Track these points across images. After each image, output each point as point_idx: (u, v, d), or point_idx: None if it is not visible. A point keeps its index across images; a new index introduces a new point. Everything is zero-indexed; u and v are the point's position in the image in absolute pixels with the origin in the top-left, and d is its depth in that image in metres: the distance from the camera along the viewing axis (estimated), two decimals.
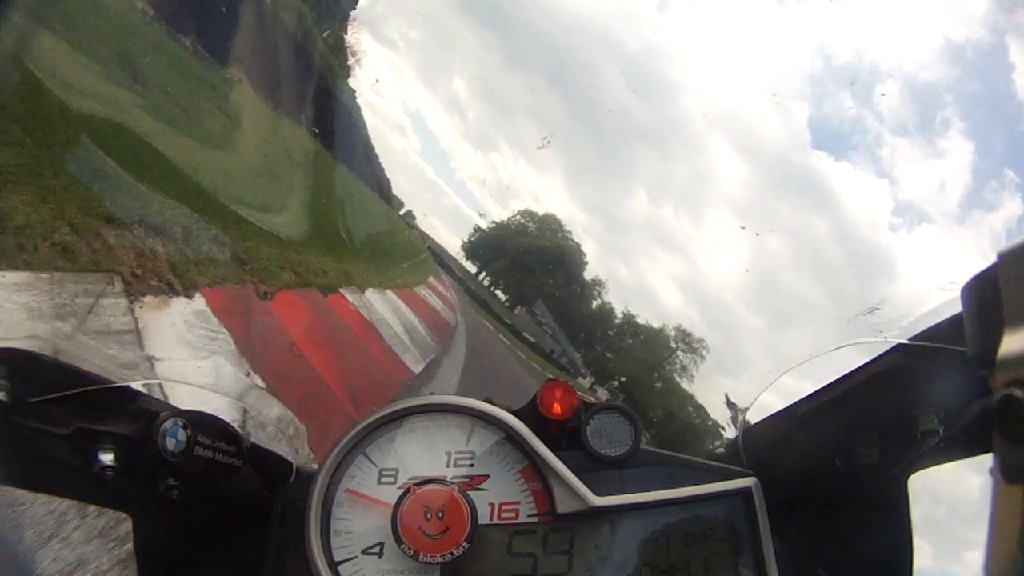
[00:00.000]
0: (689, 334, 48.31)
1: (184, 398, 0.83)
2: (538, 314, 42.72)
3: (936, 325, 0.69)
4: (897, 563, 0.80)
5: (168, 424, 0.73)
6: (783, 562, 0.80)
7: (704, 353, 47.41)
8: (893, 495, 0.78)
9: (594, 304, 49.15)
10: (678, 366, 46.13)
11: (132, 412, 0.75)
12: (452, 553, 0.79)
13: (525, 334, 35.78)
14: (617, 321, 49.04)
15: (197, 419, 0.75)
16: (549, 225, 49.94)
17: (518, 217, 50.18)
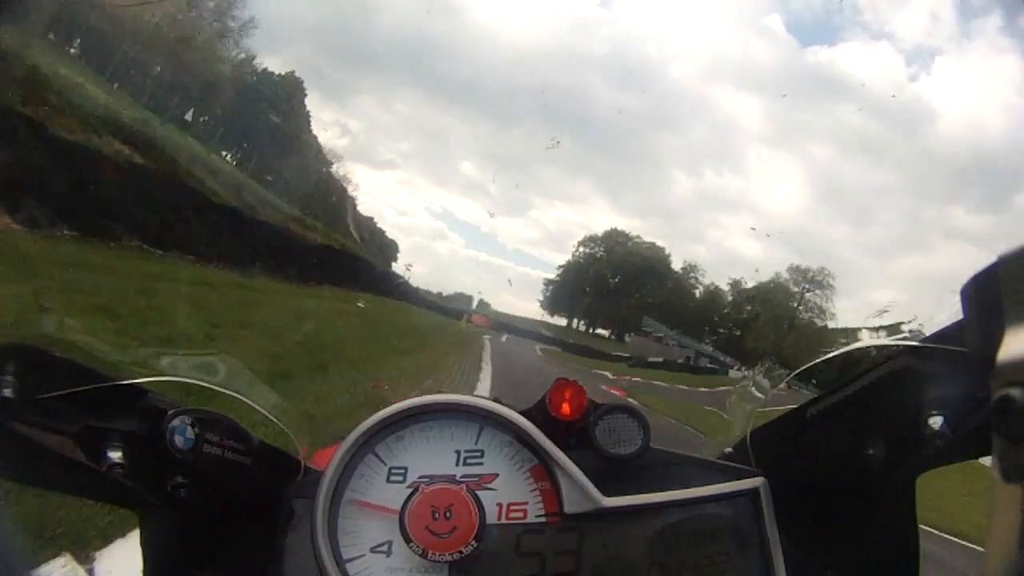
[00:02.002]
0: (804, 270, 44.88)
1: (193, 396, 0.82)
2: (650, 330, 41.07)
3: (946, 327, 0.69)
4: (903, 563, 0.80)
5: (177, 422, 0.74)
6: (791, 562, 0.79)
7: (831, 281, 43.81)
8: (900, 495, 0.79)
9: (696, 293, 47.42)
10: (814, 307, 42.80)
11: (141, 410, 0.75)
12: (460, 552, 0.78)
13: (650, 359, 33.98)
14: (728, 299, 46.64)
15: (205, 417, 0.77)
16: (613, 242, 50.35)
17: (580, 249, 50.84)
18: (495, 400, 0.86)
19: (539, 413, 0.85)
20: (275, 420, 0.90)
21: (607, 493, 0.82)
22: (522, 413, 0.85)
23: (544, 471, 0.83)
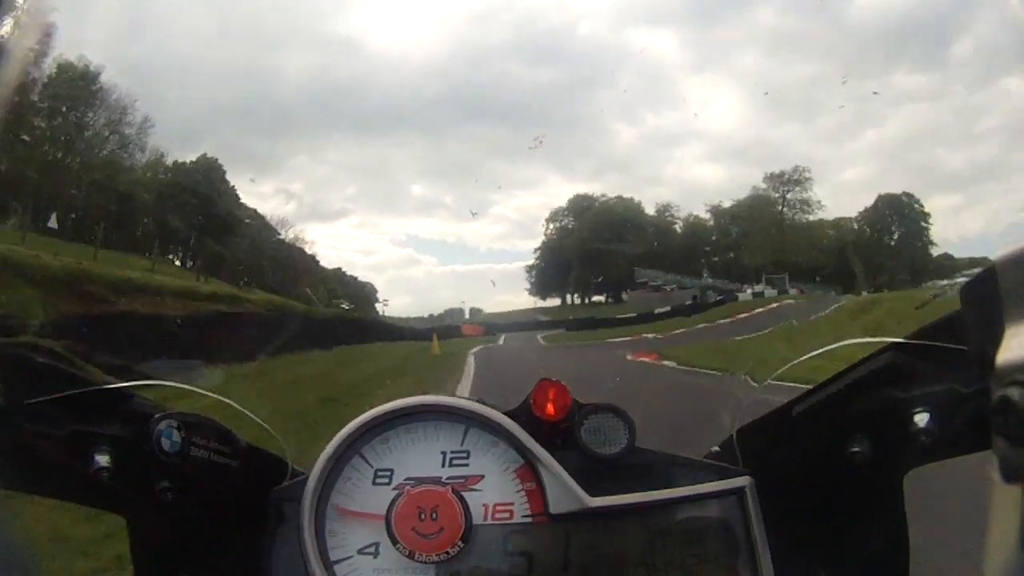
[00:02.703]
0: (779, 175, 44.56)
1: (179, 400, 0.82)
2: (646, 279, 40.18)
3: (930, 324, 0.70)
4: (893, 560, 0.81)
5: (163, 425, 0.74)
6: (778, 560, 0.79)
7: (807, 175, 43.42)
8: (888, 492, 0.79)
9: (678, 229, 46.65)
10: (797, 204, 42.36)
11: (127, 414, 0.75)
12: (447, 552, 0.79)
13: (656, 311, 32.81)
14: (711, 225, 45.94)
15: (192, 420, 0.77)
16: (580, 208, 48.69)
17: (550, 227, 49.19)
18: (480, 401, 0.86)
19: (524, 414, 0.85)
20: (261, 423, 0.90)
21: (593, 493, 0.82)
22: (507, 414, 0.85)
23: (530, 471, 0.83)
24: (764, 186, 45.05)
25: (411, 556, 0.79)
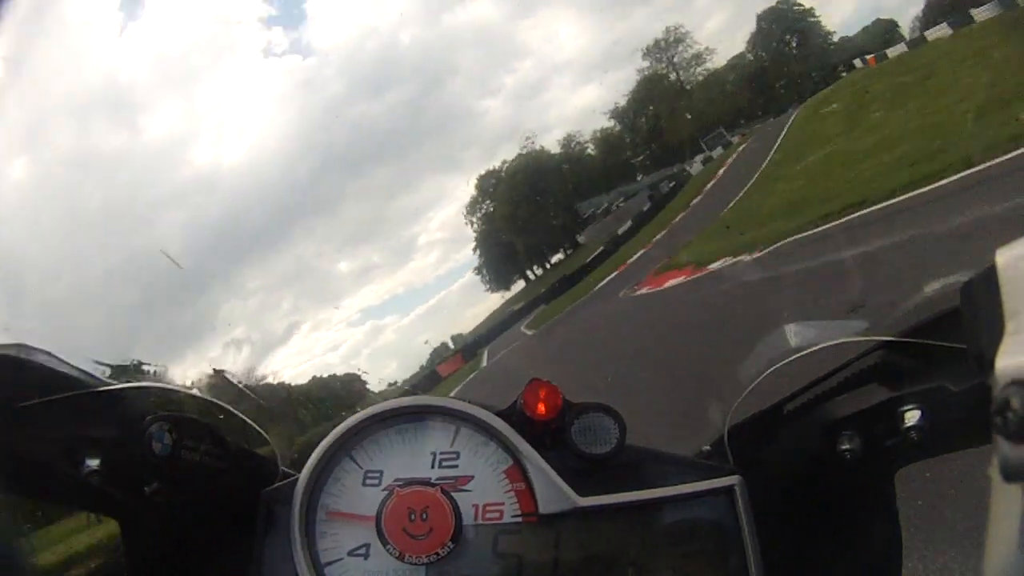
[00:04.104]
0: (654, 44, 42.13)
1: (169, 402, 0.82)
2: (591, 210, 37.53)
3: (922, 322, 0.70)
4: (885, 558, 0.81)
5: (154, 428, 0.74)
6: (770, 560, 0.79)
7: (683, 29, 41.45)
8: (879, 490, 0.79)
9: (592, 153, 44.42)
10: (688, 63, 40.26)
11: (119, 416, 0.76)
12: (437, 553, 0.79)
13: (620, 231, 29.47)
14: (618, 130, 43.47)
15: (183, 422, 0.77)
16: (489, 186, 47.57)
17: (473, 220, 48.07)
18: (470, 402, 0.86)
19: (515, 414, 0.84)
20: (252, 424, 0.90)
21: (583, 492, 0.81)
22: (498, 414, 0.85)
23: (519, 472, 0.83)
24: (647, 64, 42.62)
25: (401, 557, 0.79)
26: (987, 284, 0.49)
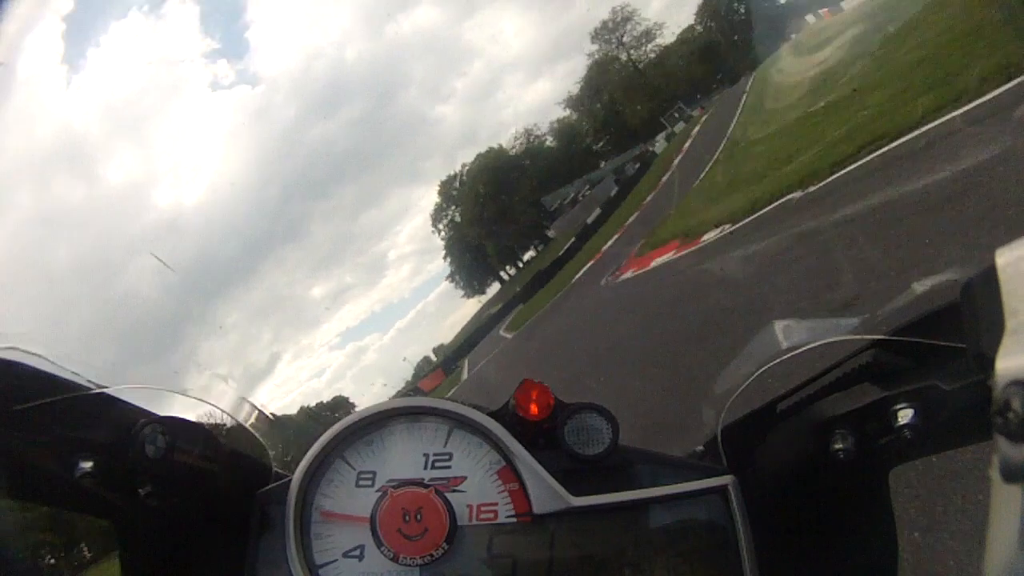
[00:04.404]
0: (602, 26, 41.69)
1: (162, 404, 0.82)
2: (558, 201, 36.97)
3: (917, 320, 0.69)
4: (881, 557, 0.80)
5: (147, 431, 0.74)
6: (763, 559, 0.79)
7: (628, 8, 41.18)
8: (873, 489, 0.78)
9: (551, 144, 43.86)
10: (638, 41, 40.07)
11: (111, 419, 0.75)
12: (432, 555, 0.79)
13: (589, 221, 28.87)
14: (575, 118, 43.03)
15: (175, 425, 0.77)
16: (452, 189, 47.04)
17: (440, 228, 47.48)
18: (463, 403, 0.86)
19: (507, 414, 0.84)
20: (245, 426, 0.90)
21: (577, 492, 0.81)
22: (491, 415, 0.85)
23: (512, 472, 0.83)
24: (596, 48, 41.92)
25: (396, 558, 0.79)
26: (987, 284, 0.49)
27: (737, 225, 9.05)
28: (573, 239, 28.79)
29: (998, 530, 0.42)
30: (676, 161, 23.33)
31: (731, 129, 18.54)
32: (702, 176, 15.33)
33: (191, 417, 0.80)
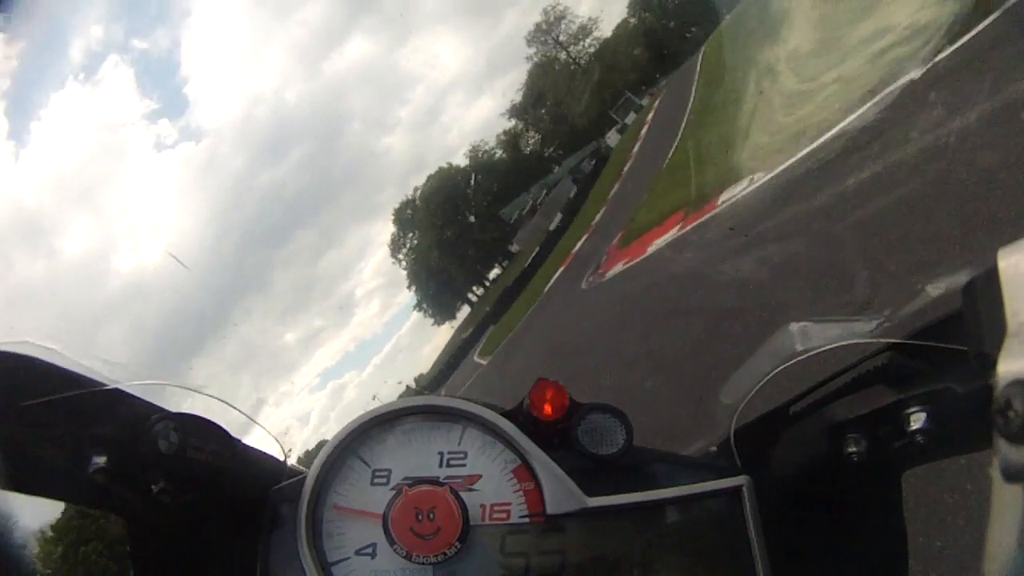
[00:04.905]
0: (536, 28, 41.16)
1: (175, 400, 0.82)
2: (516, 212, 35.92)
3: (930, 323, 0.69)
4: (892, 560, 0.81)
5: (160, 426, 0.74)
6: (776, 561, 0.79)
7: (560, 7, 40.60)
8: (886, 492, 0.79)
9: (502, 157, 43.04)
10: (575, 37, 39.61)
11: (124, 415, 0.75)
12: (445, 553, 0.79)
13: (551, 228, 27.77)
14: (521, 127, 41.73)
15: (188, 421, 0.76)
16: (407, 218, 44.99)
17: (400, 257, 45.39)
18: (478, 401, 0.86)
19: (521, 414, 0.84)
20: (258, 423, 0.90)
21: (591, 493, 0.81)
22: (505, 414, 0.85)
23: (527, 472, 0.83)
24: (534, 51, 40.76)
25: (409, 557, 0.79)
26: (988, 285, 0.49)
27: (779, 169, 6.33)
28: (538, 249, 27.17)
29: (998, 530, 0.42)
30: (636, 148, 21.92)
31: (691, 100, 17.09)
32: (674, 148, 13.66)
33: (204, 414, 0.79)
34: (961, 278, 0.55)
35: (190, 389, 0.82)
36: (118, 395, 0.74)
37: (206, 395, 0.83)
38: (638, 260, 9.58)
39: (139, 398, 0.76)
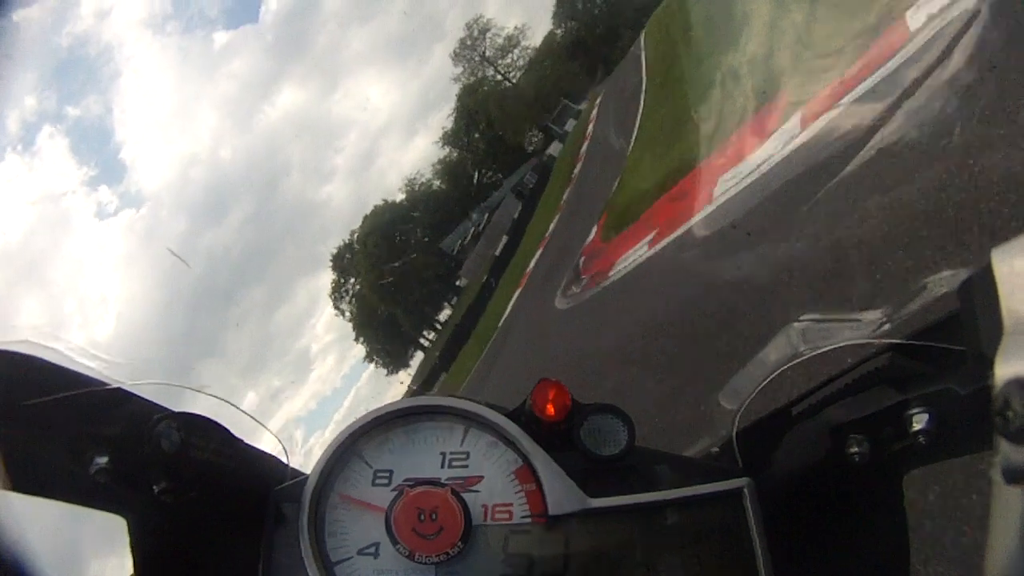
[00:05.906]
0: (460, 46, 39.41)
1: (177, 400, 0.81)
2: (455, 244, 33.51)
3: (929, 324, 0.69)
4: (893, 561, 0.80)
5: (162, 426, 0.73)
6: (778, 562, 0.78)
7: (483, 20, 38.96)
8: (887, 493, 0.78)
9: (436, 185, 40.05)
10: (501, 50, 37.68)
11: (126, 414, 0.74)
12: (447, 553, 0.78)
13: (496, 253, 24.93)
14: (456, 155, 43.04)
15: (191, 421, 0.76)
16: (346, 262, 43.39)
17: (344, 308, 44.02)
18: (480, 402, 0.85)
19: (523, 414, 0.84)
20: (261, 423, 0.89)
21: (593, 493, 0.81)
22: (507, 415, 0.84)
23: (529, 472, 0.82)
24: (461, 69, 38.90)
25: (411, 556, 0.78)
26: (984, 284, 0.49)
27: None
28: (485, 277, 24.21)
29: (999, 530, 0.42)
30: (584, 148, 19.57)
31: (643, 82, 14.92)
32: (636, 128, 11.36)
33: (207, 414, 0.78)
34: (957, 278, 0.55)
35: (192, 389, 0.81)
36: (120, 394, 0.74)
37: (208, 395, 0.82)
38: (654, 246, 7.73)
39: (141, 397, 0.76)
